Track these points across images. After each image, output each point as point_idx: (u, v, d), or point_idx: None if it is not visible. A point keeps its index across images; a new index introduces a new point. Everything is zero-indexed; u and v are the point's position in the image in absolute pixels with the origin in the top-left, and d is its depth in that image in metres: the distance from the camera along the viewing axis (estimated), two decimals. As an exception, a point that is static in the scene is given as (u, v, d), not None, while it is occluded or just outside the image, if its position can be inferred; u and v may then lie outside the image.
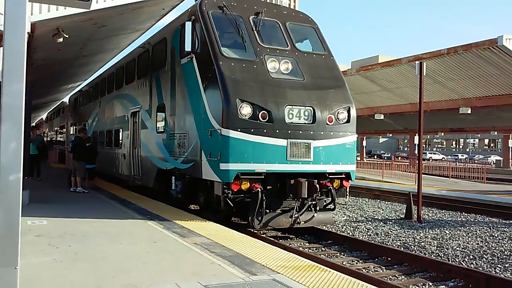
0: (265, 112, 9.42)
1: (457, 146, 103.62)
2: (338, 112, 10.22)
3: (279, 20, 11.08)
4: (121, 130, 17.11)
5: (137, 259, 6.40)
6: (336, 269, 6.80)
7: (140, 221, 9.54)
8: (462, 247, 10.20)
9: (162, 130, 12.44)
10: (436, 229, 12.23)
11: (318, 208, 10.28)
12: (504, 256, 9.41)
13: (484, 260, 9.15)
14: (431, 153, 77.07)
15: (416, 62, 16.13)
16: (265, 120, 9.41)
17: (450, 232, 11.83)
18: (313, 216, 10.20)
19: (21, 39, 3.17)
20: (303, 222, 10.06)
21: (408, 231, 11.90)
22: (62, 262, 6.19)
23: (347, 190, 10.62)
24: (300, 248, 9.76)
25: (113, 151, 18.12)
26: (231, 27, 10.40)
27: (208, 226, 9.17)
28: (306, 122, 9.85)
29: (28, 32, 10.47)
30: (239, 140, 9.16)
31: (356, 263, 8.93)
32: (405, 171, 32.28)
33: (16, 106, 3.10)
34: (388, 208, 16.51)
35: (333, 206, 10.45)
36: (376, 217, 14.19)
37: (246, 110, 9.29)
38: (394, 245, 10.33)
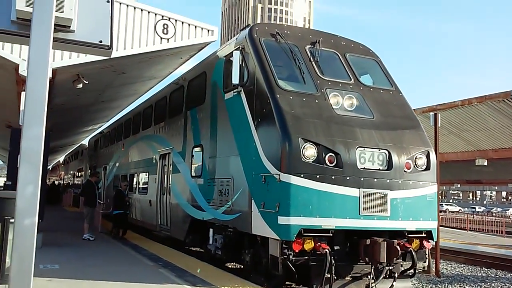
0: (333, 154, 7.95)
1: (474, 198, 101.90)
2: (416, 157, 8.80)
3: (338, 51, 9.96)
4: (147, 173, 15.48)
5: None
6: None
7: (152, 269, 9.37)
8: (484, 304, 9.80)
9: (199, 174, 10.94)
10: (455, 284, 11.80)
11: (396, 274, 8.42)
12: (529, 315, 9.00)
13: (508, 319, 8.76)
14: (447, 205, 75.77)
15: (431, 113, 16.11)
16: (333, 165, 7.92)
17: (470, 288, 11.41)
18: (392, 285, 8.31)
19: (43, 84, 3.21)
20: None
21: (426, 286, 11.50)
22: (70, 309, 6.06)
23: (428, 253, 9.05)
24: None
25: (136, 197, 16.54)
26: (286, 57, 9.21)
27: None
28: (381, 168, 8.34)
29: (49, 78, 10.72)
30: (302, 188, 7.60)
31: (373, 319, 8.58)
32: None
33: (35, 150, 3.10)
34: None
35: (412, 272, 8.68)
36: (392, 270, 13.77)
37: (310, 152, 7.80)
38: (412, 301, 9.96)
